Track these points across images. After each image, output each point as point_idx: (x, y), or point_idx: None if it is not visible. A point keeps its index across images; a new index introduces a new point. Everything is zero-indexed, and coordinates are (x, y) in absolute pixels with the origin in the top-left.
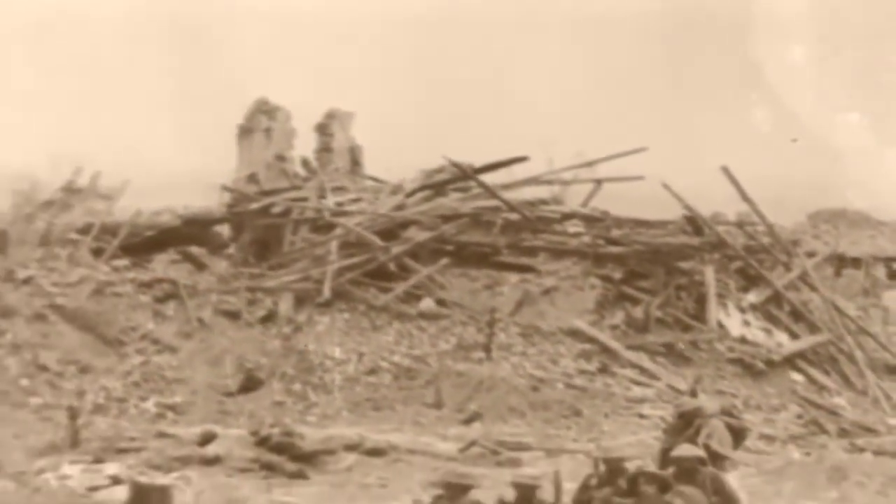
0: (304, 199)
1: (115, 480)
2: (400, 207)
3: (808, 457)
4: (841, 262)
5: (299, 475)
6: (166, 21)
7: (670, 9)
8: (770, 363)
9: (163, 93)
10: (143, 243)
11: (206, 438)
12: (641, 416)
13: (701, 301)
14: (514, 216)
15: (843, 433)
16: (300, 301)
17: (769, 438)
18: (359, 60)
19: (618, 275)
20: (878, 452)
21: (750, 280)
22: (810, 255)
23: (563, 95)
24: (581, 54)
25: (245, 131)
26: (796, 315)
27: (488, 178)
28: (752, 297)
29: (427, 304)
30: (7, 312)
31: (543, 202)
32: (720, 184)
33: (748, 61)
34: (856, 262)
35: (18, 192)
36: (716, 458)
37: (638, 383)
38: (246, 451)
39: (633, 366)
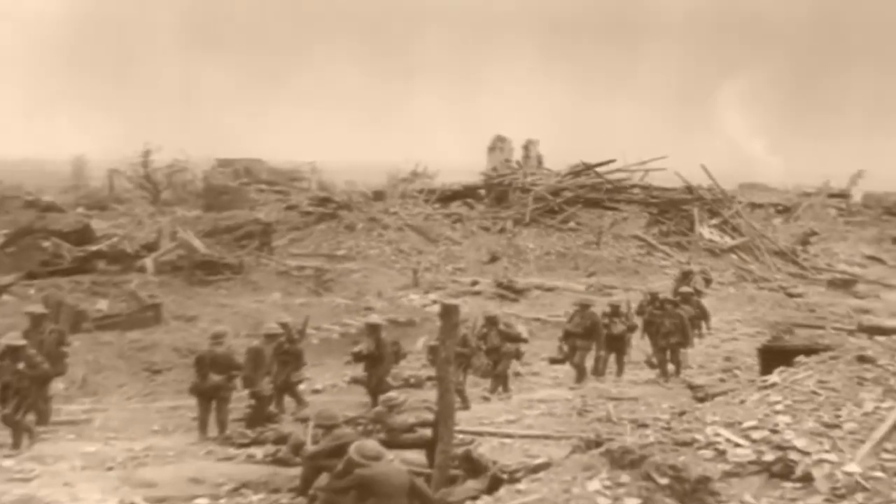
0: (517, 178)
1: (434, 302)
2: (559, 182)
3: (737, 292)
4: (753, 205)
5: (515, 300)
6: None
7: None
8: (722, 250)
9: (455, 124)
10: (445, 197)
11: (474, 283)
12: (666, 273)
13: (692, 223)
14: (609, 185)
15: (754, 281)
16: (515, 222)
17: (720, 284)
18: (540, 109)
19: (655, 211)
20: (770, 290)
21: (713, 213)
22: (740, 202)
23: (631, 124)
24: (635, 109)
25: (491, 148)
26: (734, 228)
27: (600, 169)
28: (714, 221)
29: (570, 224)
30: (385, 226)
31: (622, 179)
32: (700, 172)
33: (715, 116)
34: (760, 206)
35: (390, 173)
36: (698, 293)
37: (664, 259)
38: (491, 289)
39: (662, 252)
